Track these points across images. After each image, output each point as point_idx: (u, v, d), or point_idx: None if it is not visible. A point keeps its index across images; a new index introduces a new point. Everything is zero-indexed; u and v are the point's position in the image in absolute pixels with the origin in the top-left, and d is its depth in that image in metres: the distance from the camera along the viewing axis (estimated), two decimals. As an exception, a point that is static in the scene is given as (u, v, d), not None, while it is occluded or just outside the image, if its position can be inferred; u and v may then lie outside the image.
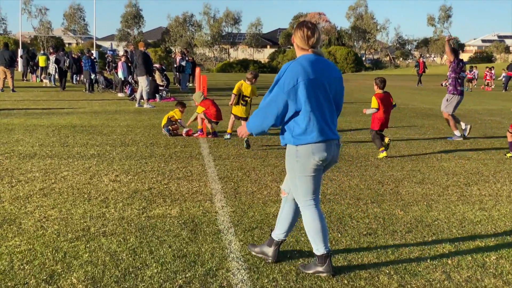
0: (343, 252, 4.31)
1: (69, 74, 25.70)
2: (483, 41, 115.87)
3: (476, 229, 4.99)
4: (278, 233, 4.05)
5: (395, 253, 4.32)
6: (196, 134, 10.16)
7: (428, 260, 4.16)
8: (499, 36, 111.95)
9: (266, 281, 3.73)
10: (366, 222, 5.10)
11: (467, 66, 28.89)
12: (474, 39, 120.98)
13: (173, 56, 33.23)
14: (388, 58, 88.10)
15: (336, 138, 3.76)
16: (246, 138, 8.93)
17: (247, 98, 9.33)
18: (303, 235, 4.59)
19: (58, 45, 57.76)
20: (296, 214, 4.01)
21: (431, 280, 3.80)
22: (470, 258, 4.25)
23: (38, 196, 5.75)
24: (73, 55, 25.67)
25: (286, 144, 3.78)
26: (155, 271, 3.84)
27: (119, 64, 20.94)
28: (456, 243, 4.58)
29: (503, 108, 18.55)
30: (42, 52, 32.06)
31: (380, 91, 8.53)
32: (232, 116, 9.74)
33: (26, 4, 79.08)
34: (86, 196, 5.82)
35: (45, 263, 3.93)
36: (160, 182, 6.51)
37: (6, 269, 3.81)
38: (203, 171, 7.24)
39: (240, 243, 4.46)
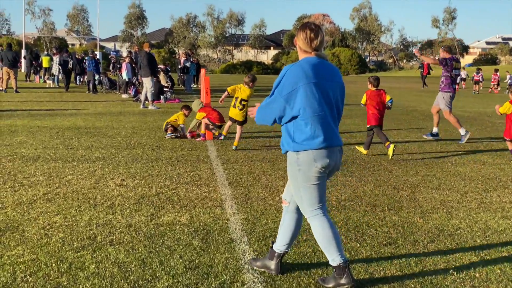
0: (364, 263, 4.08)
1: (72, 75, 25.51)
2: (487, 43, 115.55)
3: (501, 239, 4.76)
4: (279, 245, 3.82)
5: (418, 265, 4.08)
6: (199, 139, 9.94)
7: (455, 274, 3.93)
8: (503, 38, 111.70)
9: (284, 295, 3.50)
10: (385, 231, 4.87)
11: (473, 68, 28.66)
12: (478, 41, 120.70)
13: (177, 57, 33.06)
14: (392, 60, 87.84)
15: (339, 144, 3.56)
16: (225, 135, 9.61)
17: (244, 102, 9.07)
18: (321, 245, 4.36)
19: (61, 46, 57.72)
20: (298, 225, 3.79)
21: (460, 295, 3.57)
22: (499, 271, 4.01)
23: (42, 202, 5.53)
24: (77, 56, 25.50)
25: (287, 152, 3.57)
26: (166, 284, 3.62)
27: (123, 65, 20.75)
28: (482, 254, 4.34)
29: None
30: (45, 52, 31.88)
31: (373, 88, 8.74)
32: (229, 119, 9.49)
33: (29, 5, 79.16)
34: (91, 201, 5.60)
35: (50, 275, 3.71)
36: (168, 187, 6.29)
37: (8, 281, 3.59)
38: (212, 175, 7.02)
39: (255, 253, 4.23)
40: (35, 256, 4.05)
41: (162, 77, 19.58)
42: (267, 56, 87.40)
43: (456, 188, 6.62)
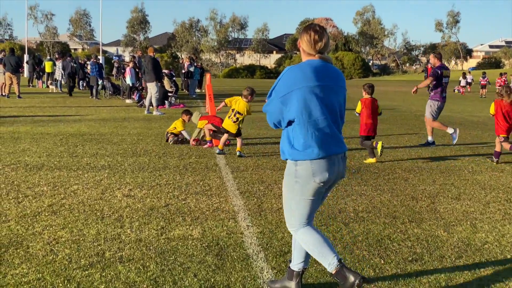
0: (390, 281, 3.82)
1: (76, 80, 25.33)
2: (491, 46, 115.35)
3: (532, 254, 4.50)
4: (296, 263, 3.58)
5: (449, 283, 3.82)
6: (206, 146, 9.70)
7: (490, 293, 3.67)
8: (506, 42, 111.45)
9: (309, 320, 3.24)
10: (409, 246, 4.61)
11: (478, 72, 28.40)
12: (481, 44, 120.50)
13: (181, 62, 32.87)
14: (395, 63, 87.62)
15: (341, 151, 3.32)
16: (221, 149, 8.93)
17: (239, 115, 8.80)
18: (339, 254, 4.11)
19: (64, 50, 57.66)
20: None
21: (498, 319, 3.31)
22: (536, 290, 3.75)
23: (46, 214, 5.29)
24: (80, 61, 25.32)
25: (286, 159, 3.35)
26: (181, 307, 3.37)
27: (127, 70, 20.54)
28: (514, 271, 4.08)
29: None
30: (48, 57, 31.71)
31: (368, 96, 8.64)
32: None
33: (32, 10, 79.17)
34: (98, 213, 5.35)
35: (56, 297, 3.46)
36: (177, 198, 6.04)
37: (12, 304, 3.34)
38: (222, 184, 6.77)
39: (273, 271, 3.98)
40: (40, 275, 3.80)
41: (166, 82, 19.36)
42: (270, 60, 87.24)
43: (477, 198, 6.36)
